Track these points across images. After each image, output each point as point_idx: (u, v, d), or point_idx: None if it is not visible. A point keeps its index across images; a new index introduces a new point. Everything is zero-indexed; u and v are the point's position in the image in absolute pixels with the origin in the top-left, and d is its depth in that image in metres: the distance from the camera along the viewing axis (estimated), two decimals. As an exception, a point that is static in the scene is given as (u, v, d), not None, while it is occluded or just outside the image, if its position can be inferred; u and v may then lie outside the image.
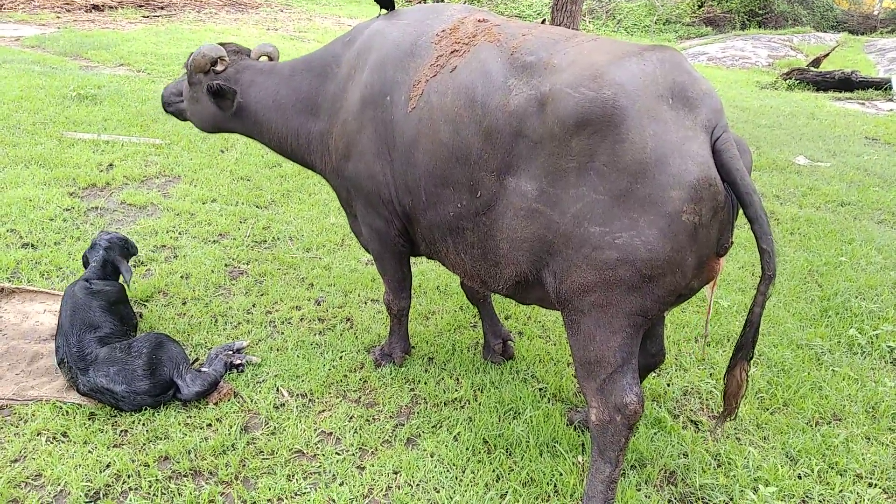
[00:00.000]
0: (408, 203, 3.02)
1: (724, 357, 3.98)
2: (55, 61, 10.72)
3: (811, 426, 3.43)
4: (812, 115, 11.40)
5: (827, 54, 16.37)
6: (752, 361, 3.82)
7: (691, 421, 3.48)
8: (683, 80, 2.38)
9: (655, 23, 24.37)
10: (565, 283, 2.50)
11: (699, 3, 25.44)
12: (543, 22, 13.99)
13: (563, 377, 3.71)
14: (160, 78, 10.15)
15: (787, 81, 14.29)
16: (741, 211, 2.42)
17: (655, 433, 3.30)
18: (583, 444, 3.19)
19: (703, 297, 4.65)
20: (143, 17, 16.73)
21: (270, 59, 3.77)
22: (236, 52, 3.71)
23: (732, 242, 2.52)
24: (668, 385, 3.72)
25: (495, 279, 2.82)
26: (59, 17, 15.47)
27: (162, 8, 18.16)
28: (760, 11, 24.47)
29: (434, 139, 2.77)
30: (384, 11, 3.40)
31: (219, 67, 3.58)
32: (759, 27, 23.80)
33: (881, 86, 13.60)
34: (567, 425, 3.32)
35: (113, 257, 3.70)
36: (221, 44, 3.68)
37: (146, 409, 3.14)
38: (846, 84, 13.73)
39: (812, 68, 15.04)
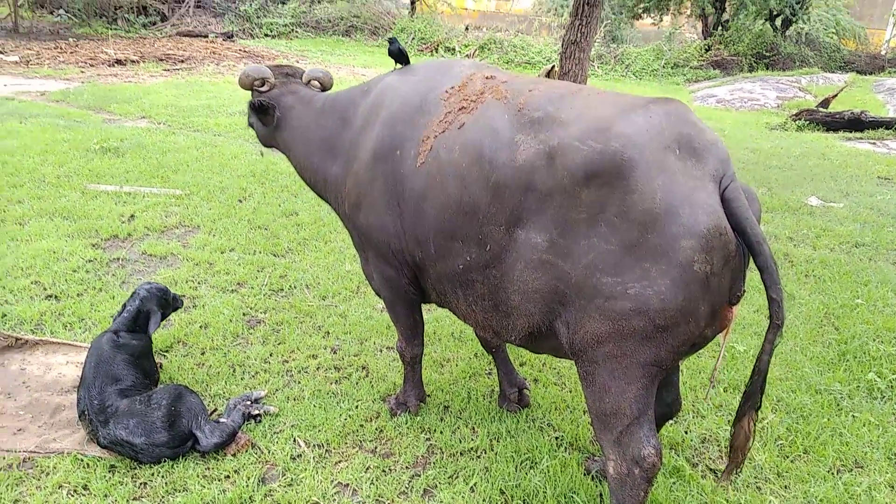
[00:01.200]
0: (417, 254, 3.08)
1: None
2: (79, 115, 11.08)
3: (832, 474, 3.39)
4: (823, 156, 11.45)
5: (836, 95, 16.49)
6: (762, 409, 3.81)
7: (710, 469, 3.44)
8: (689, 131, 2.44)
9: (664, 66, 24.73)
10: (578, 333, 2.53)
11: (706, 47, 25.80)
12: (552, 69, 14.27)
13: (579, 425, 3.70)
14: (180, 129, 10.44)
15: (797, 122, 14.38)
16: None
17: (674, 483, 3.27)
18: (601, 495, 3.17)
19: (718, 343, 4.65)
20: (165, 70, 17.27)
21: (321, 83, 3.95)
22: (288, 74, 3.89)
23: (745, 291, 2.55)
24: (686, 433, 3.69)
25: (507, 330, 2.85)
26: (83, 72, 16.01)
27: (182, 61, 18.74)
28: (768, 54, 24.77)
29: (442, 193, 2.84)
30: (399, 66, 3.53)
31: (264, 88, 3.75)
32: (767, 69, 24.07)
33: (892, 125, 13.65)
34: (585, 475, 3.30)
35: (148, 307, 3.76)
36: (275, 66, 3.88)
37: (165, 461, 3.17)
38: (856, 124, 13.79)
39: (821, 109, 15.13)
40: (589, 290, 2.45)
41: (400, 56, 3.53)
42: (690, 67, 24.84)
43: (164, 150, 8.85)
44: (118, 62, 17.54)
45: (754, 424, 2.59)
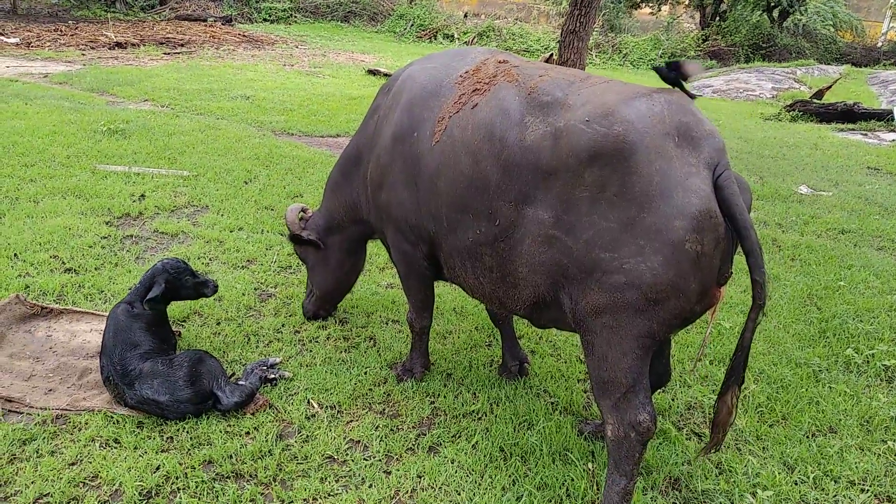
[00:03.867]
0: (432, 228, 3.30)
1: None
2: (83, 97, 11.23)
3: (808, 437, 3.65)
4: (815, 146, 11.70)
5: (830, 86, 16.72)
6: (744, 381, 4.06)
7: (694, 433, 3.70)
8: (688, 120, 2.61)
9: (661, 56, 24.89)
10: (580, 304, 2.73)
11: (704, 37, 25.98)
12: (550, 57, 14.44)
13: (573, 392, 3.96)
14: (184, 113, 10.60)
15: (791, 113, 14.62)
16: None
17: (661, 443, 3.52)
18: (592, 453, 3.43)
19: (706, 320, 4.90)
20: (165, 53, 17.37)
21: (304, 210, 4.45)
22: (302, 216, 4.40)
23: (732, 272, 2.76)
24: (673, 400, 3.95)
25: (513, 300, 3.05)
26: (84, 55, 16.10)
27: (182, 45, 18.83)
28: (764, 45, 24.97)
29: (455, 169, 3.05)
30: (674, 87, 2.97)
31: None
32: (763, 60, 24.27)
33: (883, 117, 13.90)
34: (578, 435, 3.56)
35: (156, 280, 3.87)
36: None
37: (189, 417, 3.41)
38: (849, 115, 14.03)
39: (815, 100, 15.37)
40: (589, 264, 2.65)
41: (674, 80, 3.02)
42: (688, 57, 24.99)
43: (169, 133, 9.03)
44: (118, 45, 17.63)
45: (737, 399, 2.77)
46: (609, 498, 2.84)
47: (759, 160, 10.57)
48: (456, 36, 25.56)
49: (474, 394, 3.88)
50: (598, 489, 3.18)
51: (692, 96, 2.80)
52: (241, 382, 3.61)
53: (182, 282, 3.92)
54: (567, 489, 3.18)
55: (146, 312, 3.76)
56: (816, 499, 3.20)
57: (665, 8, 29.80)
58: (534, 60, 3.50)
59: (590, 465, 3.33)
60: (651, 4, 28.09)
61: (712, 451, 2.90)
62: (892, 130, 13.45)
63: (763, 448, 3.56)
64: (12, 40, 16.88)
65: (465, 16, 28.48)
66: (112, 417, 3.40)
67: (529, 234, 2.83)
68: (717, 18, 26.73)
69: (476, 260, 3.11)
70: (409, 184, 3.34)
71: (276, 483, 3.07)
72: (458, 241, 3.15)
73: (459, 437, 3.50)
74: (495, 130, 2.93)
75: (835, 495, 3.23)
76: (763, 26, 25.49)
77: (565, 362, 4.30)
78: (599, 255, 2.61)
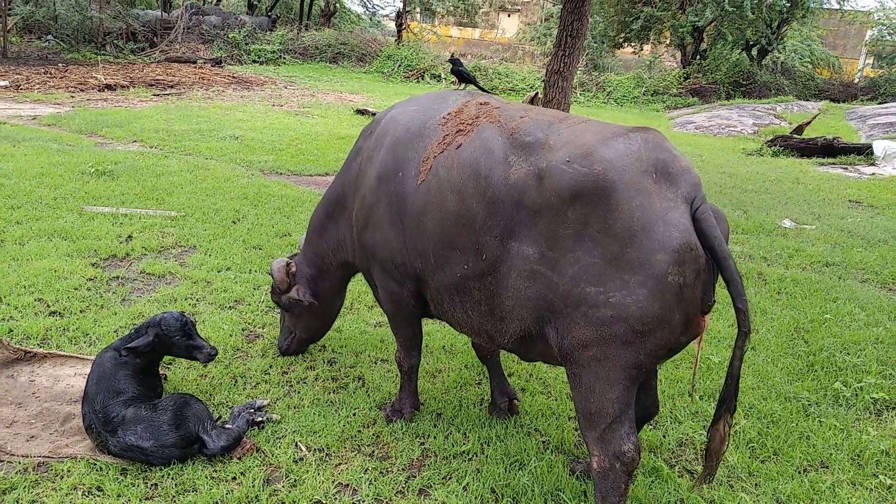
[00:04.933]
0: (418, 266, 3.33)
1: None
2: (71, 139, 11.26)
3: (800, 473, 3.63)
4: (797, 180, 11.90)
5: (809, 122, 17.09)
6: (735, 416, 4.05)
7: (686, 470, 3.67)
8: (665, 157, 2.72)
9: (644, 94, 25.39)
10: (566, 338, 2.77)
11: (685, 75, 26.57)
12: (535, 96, 14.70)
13: (564, 430, 3.93)
14: (172, 153, 10.65)
15: (772, 148, 14.90)
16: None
17: (653, 481, 3.49)
18: (585, 492, 3.39)
19: (693, 352, 4.91)
20: (154, 95, 17.52)
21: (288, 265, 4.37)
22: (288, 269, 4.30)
23: (715, 300, 2.81)
24: (664, 437, 3.93)
25: (501, 334, 3.09)
26: (73, 97, 16.21)
27: (172, 87, 19.01)
28: (744, 82, 25.57)
29: (441, 207, 3.11)
30: (462, 85, 3.85)
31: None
32: (744, 97, 24.82)
33: (863, 151, 14.20)
34: (570, 475, 3.52)
35: (148, 330, 3.72)
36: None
37: (174, 463, 3.35)
38: (829, 150, 14.33)
39: (795, 136, 15.69)
40: (575, 299, 2.71)
41: (461, 76, 3.84)
42: (670, 95, 25.54)
43: (157, 174, 9.05)
44: (108, 87, 17.77)
45: (729, 427, 2.82)
46: None
47: (743, 194, 10.73)
48: (443, 76, 25.98)
49: (465, 434, 3.84)
50: (590, 530, 3.14)
51: (484, 90, 2.98)
52: (227, 426, 3.56)
53: (173, 341, 3.75)
54: (559, 531, 3.13)
55: (133, 360, 3.67)
56: (810, 536, 3.17)
57: (647, 47, 30.53)
58: (514, 101, 3.59)
59: (582, 505, 3.30)
60: (633, 44, 28.75)
61: (707, 481, 2.93)
62: (872, 164, 13.72)
63: (755, 485, 3.54)
64: (2, 83, 16.97)
65: (452, 56, 28.99)
66: (95, 464, 3.33)
67: (515, 269, 2.89)
68: (698, 57, 27.39)
69: (465, 294, 3.14)
70: (394, 223, 3.37)
71: (263, 530, 3.01)
72: (445, 276, 3.19)
73: (450, 478, 3.46)
74: (480, 169, 3.00)
75: (829, 532, 3.20)
76: (743, 64, 26.15)
77: (556, 400, 4.28)
78: (585, 290, 2.67)
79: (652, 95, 25.63)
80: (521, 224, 2.87)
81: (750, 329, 2.69)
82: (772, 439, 3.91)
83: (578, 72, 26.83)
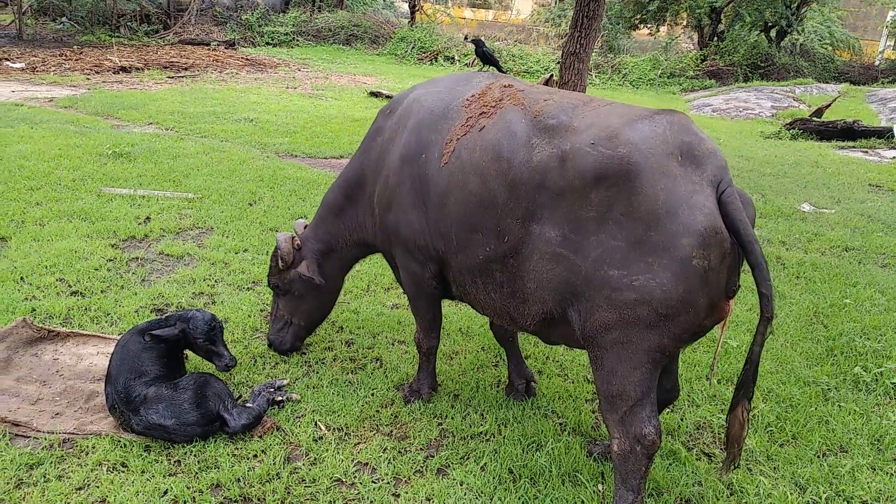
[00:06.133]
0: (441, 248, 3.33)
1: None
2: (88, 121, 11.32)
3: (819, 457, 3.62)
4: (816, 164, 11.74)
5: (829, 105, 16.82)
6: (754, 400, 4.04)
7: (704, 453, 3.67)
8: (690, 140, 2.69)
9: (660, 76, 25.09)
10: (589, 321, 2.77)
11: (702, 57, 26.18)
12: (550, 78, 14.57)
13: (581, 412, 3.94)
14: (188, 136, 10.67)
15: (791, 131, 14.69)
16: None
17: (671, 464, 3.50)
18: (602, 474, 3.40)
19: (714, 338, 4.89)
20: (169, 77, 17.53)
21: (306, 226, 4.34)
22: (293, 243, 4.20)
23: (739, 285, 2.79)
24: (682, 420, 3.92)
25: (523, 316, 3.09)
26: (88, 79, 16.25)
27: (186, 69, 19.01)
28: (762, 64, 25.14)
29: (464, 190, 3.10)
30: (488, 67, 3.80)
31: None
32: (762, 79, 24.43)
33: (883, 134, 13.96)
34: (587, 457, 3.53)
35: (175, 322, 3.74)
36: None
37: (197, 441, 3.39)
38: (849, 133, 14.10)
39: (815, 118, 15.45)
40: (598, 282, 2.70)
41: (484, 57, 3.79)
42: (686, 77, 25.20)
43: (174, 156, 9.08)
44: (123, 69, 17.80)
45: (748, 413, 2.82)
46: None
47: (761, 178, 10.61)
48: (456, 58, 25.80)
49: (482, 415, 3.86)
50: (608, 511, 3.15)
51: (502, 70, 2.95)
52: (248, 405, 3.60)
53: (197, 342, 3.76)
54: (577, 511, 3.15)
55: (158, 345, 3.68)
56: (829, 519, 3.17)
57: (663, 29, 30.10)
58: (537, 84, 3.55)
59: (599, 486, 3.31)
60: (649, 25, 28.36)
61: (731, 468, 2.92)
62: (893, 148, 13.50)
63: (774, 468, 3.53)
64: (18, 65, 17.06)
65: (466, 38, 28.73)
66: (119, 441, 3.38)
67: (537, 251, 2.88)
68: (716, 38, 26.97)
69: (487, 276, 3.15)
70: (417, 205, 3.37)
71: (285, 507, 3.05)
72: (468, 258, 3.19)
73: (468, 458, 3.48)
74: (503, 151, 2.98)
75: (848, 516, 3.20)
76: (761, 46, 25.69)
77: (573, 382, 4.28)
78: (608, 273, 2.66)
79: (668, 78, 25.30)
80: (543, 206, 2.85)
81: (773, 315, 2.67)
82: (791, 423, 3.89)
83: (594, 54, 26.56)
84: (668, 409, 3.98)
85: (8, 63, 17.28)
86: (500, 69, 3.39)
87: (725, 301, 2.74)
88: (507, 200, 2.95)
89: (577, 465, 3.44)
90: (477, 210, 3.06)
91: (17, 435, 3.40)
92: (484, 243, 3.08)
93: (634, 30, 29.62)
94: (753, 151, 12.93)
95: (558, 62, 9.77)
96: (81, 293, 5.00)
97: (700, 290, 2.58)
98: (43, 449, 3.30)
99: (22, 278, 5.09)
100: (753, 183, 10.22)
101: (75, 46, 21.62)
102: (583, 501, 3.19)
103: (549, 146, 2.87)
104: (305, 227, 4.32)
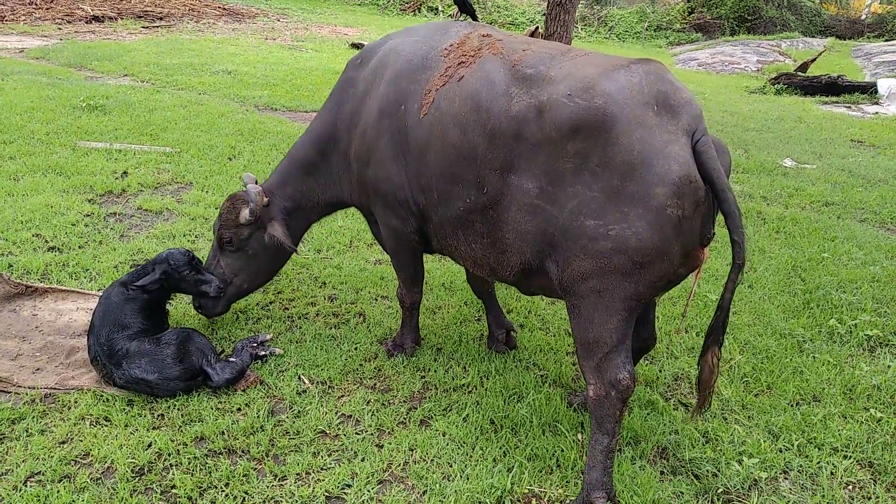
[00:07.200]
0: (421, 202, 3.31)
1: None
2: (61, 72, 10.99)
3: (792, 406, 3.71)
4: (799, 119, 11.75)
5: (814, 59, 16.77)
6: (730, 350, 4.12)
7: (681, 403, 3.76)
8: (666, 89, 2.68)
9: (647, 29, 24.79)
10: (566, 271, 2.79)
11: (689, 10, 25.87)
12: (536, 30, 14.33)
13: (562, 365, 3.99)
14: (164, 88, 10.42)
15: (776, 86, 14.66)
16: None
17: (648, 413, 3.57)
18: (581, 424, 3.47)
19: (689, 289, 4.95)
20: (143, 27, 17.01)
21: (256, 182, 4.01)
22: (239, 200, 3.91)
23: (714, 234, 2.82)
24: (660, 371, 4.00)
25: (503, 266, 3.11)
26: (60, 29, 15.73)
27: (161, 18, 18.44)
28: (749, 17, 24.91)
29: (444, 141, 3.07)
30: (465, 16, 3.69)
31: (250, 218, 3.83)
32: (749, 33, 24.25)
33: (867, 89, 13.98)
34: (567, 407, 3.60)
35: (155, 267, 3.75)
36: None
37: (179, 395, 3.40)
38: (833, 88, 14.10)
39: (800, 73, 15.42)
40: (574, 232, 2.72)
41: (463, 5, 3.67)
42: (673, 30, 24.95)
43: (150, 109, 8.88)
44: (95, 19, 17.24)
45: (718, 360, 2.88)
46: (593, 456, 2.93)
47: (745, 133, 10.61)
48: (440, 8, 25.24)
49: (464, 368, 3.90)
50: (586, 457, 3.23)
51: (476, 19, 2.90)
52: (231, 359, 3.60)
53: (182, 275, 3.77)
54: (557, 459, 3.22)
55: (141, 296, 3.69)
56: (801, 465, 3.27)
57: (651, -20, 29.62)
58: (516, 34, 3.49)
59: (579, 435, 3.38)
60: (637, -24, 27.86)
61: (702, 411, 3.01)
62: (876, 103, 13.53)
63: (748, 417, 3.62)
64: (-15, 14, 16.43)
65: (450, -13, 28.09)
66: (102, 396, 3.38)
67: (515, 202, 2.89)
68: (703, -10, 26.60)
69: (467, 228, 3.15)
70: (397, 158, 3.33)
71: (269, 458, 3.08)
72: (448, 211, 3.18)
73: (450, 410, 3.53)
74: (481, 101, 2.95)
75: (818, 462, 3.29)
76: (748, -1, 25.41)
77: (554, 336, 4.33)
78: (584, 223, 2.68)
79: (655, 31, 25.03)
80: (520, 157, 2.85)
81: (744, 262, 2.71)
82: (766, 374, 3.98)
83: (580, 6, 26.13)
84: (646, 361, 4.05)
85: (-26, 12, 16.65)
86: (475, 18, 3.29)
87: (700, 249, 2.77)
88: (486, 151, 2.94)
89: (557, 416, 3.50)
90: (457, 161, 3.04)
91: (-3, 390, 3.39)
92: (464, 195, 3.07)
93: (621, -19, 29.11)
94: (738, 106, 12.90)
95: (544, 14, 9.57)
96: (59, 248, 4.93)
97: (674, 239, 2.62)
98: (25, 404, 3.30)
99: (-3, 234, 5.01)
100: (737, 138, 10.22)
101: (45, -6, 20.82)
102: (562, 450, 3.26)
103: (527, 96, 2.84)
104: (257, 183, 4.00)
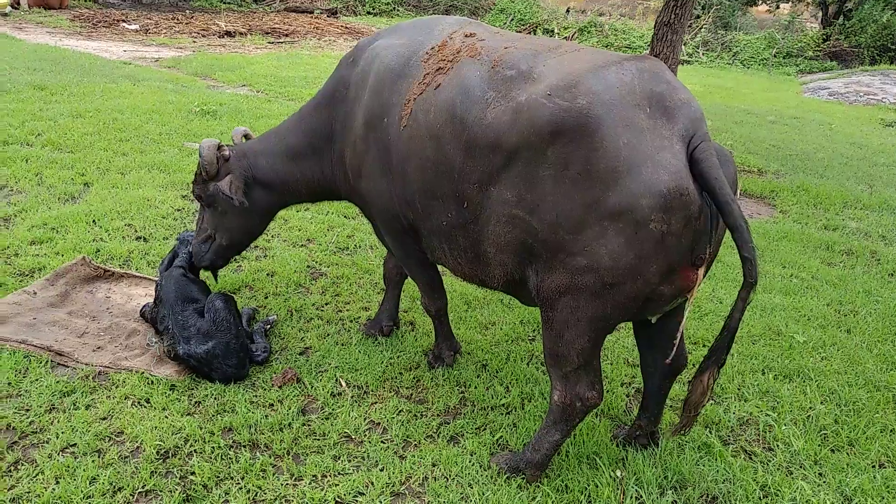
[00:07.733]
0: (409, 216, 3.17)
1: (791, 390, 3.84)
2: (187, 80, 11.83)
3: (873, 467, 3.26)
4: (938, 156, 10.61)
5: (965, 92, 15.12)
6: (810, 398, 3.70)
7: (744, 450, 3.39)
8: (662, 89, 2.44)
9: (775, 56, 23.42)
10: (544, 283, 2.65)
11: (825, 37, 24.21)
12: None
13: (614, 395, 3.73)
14: (276, 98, 10.95)
15: (916, 119, 13.33)
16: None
17: (701, 457, 3.25)
18: (623, 460, 3.20)
19: (772, 328, 4.52)
20: (269, 42, 18.08)
21: (247, 137, 3.97)
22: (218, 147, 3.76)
23: (712, 255, 2.52)
24: (724, 412, 3.64)
25: (490, 279, 2.99)
26: (194, 42, 17.02)
27: (286, 35, 19.53)
28: (893, 46, 22.94)
29: (422, 155, 2.89)
30: None
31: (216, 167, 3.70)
32: (891, 63, 22.31)
33: None
34: (611, 440, 3.34)
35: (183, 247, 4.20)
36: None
37: (218, 384, 3.47)
38: (984, 124, 12.64)
39: (946, 106, 13.94)
40: (553, 245, 2.54)
41: None
42: (805, 58, 23.40)
43: (258, 116, 9.33)
44: (227, 34, 18.51)
45: (714, 381, 2.64)
46: (539, 443, 2.92)
47: (872, 168, 9.72)
48: (556, 31, 25.11)
49: (507, 387, 3.73)
50: (623, 497, 2.97)
51: None
52: (258, 341, 3.83)
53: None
54: (588, 495, 2.98)
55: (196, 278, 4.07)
56: (873, 536, 2.85)
57: (785, 6, 28.00)
58: (505, 31, 3.25)
59: (618, 472, 3.12)
60: (768, 2, 26.47)
61: (681, 433, 2.86)
62: None
63: (819, 474, 3.21)
64: (133, 27, 18.09)
65: (568, 11, 27.92)
66: (148, 379, 3.51)
67: (494, 215, 2.72)
68: (842, 17, 24.82)
69: (452, 242, 3.02)
70: (384, 172, 3.16)
71: (289, 456, 3.06)
72: (432, 225, 3.05)
73: (484, 429, 3.38)
74: (456, 111, 2.76)
75: (896, 535, 2.86)
76: (893, 26, 23.40)
77: (611, 364, 4.07)
78: (563, 237, 2.51)
79: (784, 58, 23.56)
80: (498, 166, 2.64)
81: (756, 280, 2.41)
82: (849, 428, 3.53)
83: (703, 30, 25.11)
84: (711, 402, 3.70)
85: (124, 24, 18.37)
86: None
87: (690, 269, 2.49)
88: (463, 164, 2.73)
89: (598, 448, 3.26)
90: (435, 177, 2.85)
91: (59, 364, 3.59)
92: (445, 210, 2.90)
93: (752, 5, 27.75)
94: (868, 139, 11.86)
95: (652, 34, 9.24)
96: (145, 238, 5.23)
97: (653, 257, 2.39)
98: (79, 379, 3.47)
99: (94, 221, 5.38)
100: (862, 172, 9.37)
101: (188, 11, 22.68)
102: (596, 485, 3.01)
103: (505, 100, 2.62)
104: (245, 137, 3.96)
